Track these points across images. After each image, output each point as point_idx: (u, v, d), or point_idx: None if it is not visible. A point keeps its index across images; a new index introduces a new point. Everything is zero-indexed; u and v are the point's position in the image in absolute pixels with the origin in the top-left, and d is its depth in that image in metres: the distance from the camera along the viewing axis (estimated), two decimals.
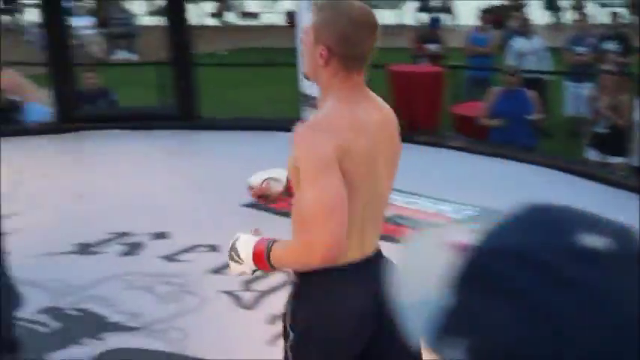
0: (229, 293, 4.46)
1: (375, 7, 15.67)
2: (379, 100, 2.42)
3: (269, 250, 2.22)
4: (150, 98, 9.82)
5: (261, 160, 7.08)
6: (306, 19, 2.44)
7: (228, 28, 17.26)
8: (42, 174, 6.54)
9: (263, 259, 2.23)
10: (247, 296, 4.54)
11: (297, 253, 2.18)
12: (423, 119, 8.17)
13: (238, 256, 2.28)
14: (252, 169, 6.95)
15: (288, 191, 2.59)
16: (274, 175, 2.62)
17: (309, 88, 7.76)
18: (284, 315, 2.39)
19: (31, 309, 4.33)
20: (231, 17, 18.77)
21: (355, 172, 2.18)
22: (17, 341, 3.82)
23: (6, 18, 18.97)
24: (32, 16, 17.67)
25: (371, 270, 2.29)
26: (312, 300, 2.31)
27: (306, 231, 2.13)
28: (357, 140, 2.19)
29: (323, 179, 2.10)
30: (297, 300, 2.33)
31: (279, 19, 18.75)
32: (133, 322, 4.28)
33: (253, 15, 19.14)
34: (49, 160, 7.11)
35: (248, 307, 4.44)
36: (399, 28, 16.54)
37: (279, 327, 4.19)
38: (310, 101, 7.78)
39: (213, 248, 5.09)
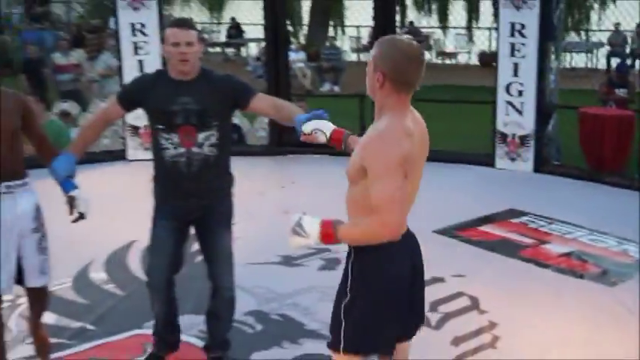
0: None
1: (570, 50, 15.08)
2: (417, 114, 2.81)
3: (336, 228, 2.64)
4: (350, 127, 9.96)
5: (455, 191, 7.05)
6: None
7: (426, 66, 17.26)
8: (255, 191, 6.80)
9: (332, 235, 2.65)
10: (434, 317, 4.49)
11: (372, 231, 2.60)
12: (610, 161, 7.80)
13: (304, 231, 2.65)
14: (444, 199, 6.87)
15: (329, 143, 3.18)
16: (322, 127, 3.13)
17: (503, 126, 7.63)
18: (344, 282, 2.79)
19: (239, 311, 4.49)
20: (428, 56, 18.78)
21: (410, 171, 2.62)
22: (228, 340, 3.98)
23: (230, 50, 19.91)
24: (252, 50, 18.51)
25: (409, 242, 2.80)
26: (368, 265, 2.72)
27: (379, 214, 2.56)
28: (411, 147, 2.62)
29: (392, 177, 2.55)
30: (355, 268, 2.75)
31: (474, 59, 18.53)
32: (328, 331, 4.33)
33: (450, 55, 19.03)
34: (262, 178, 7.37)
35: (434, 327, 4.39)
36: (591, 72, 15.94)
37: (461, 348, 4.13)
38: (500, 137, 7.63)
39: None
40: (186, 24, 3.52)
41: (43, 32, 15.67)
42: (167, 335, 3.94)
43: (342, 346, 2.83)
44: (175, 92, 3.49)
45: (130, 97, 3.64)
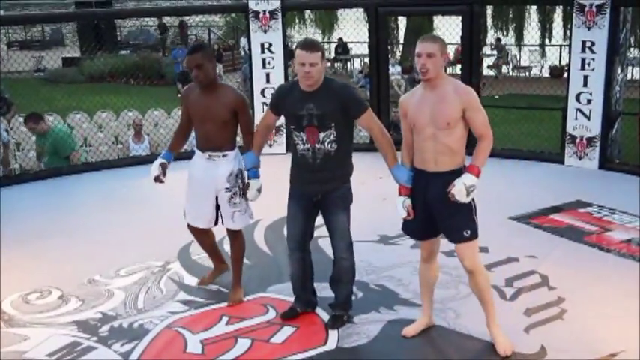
0: (495, 287, 4.29)
1: (632, 64, 14.13)
2: None
3: (479, 167, 3.38)
4: None
5: (528, 184, 6.82)
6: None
7: (502, 78, 16.77)
8: (359, 181, 6.72)
9: (479, 172, 3.39)
10: (509, 291, 4.37)
11: (489, 146, 3.40)
12: None
13: (471, 190, 3.42)
14: (518, 191, 6.64)
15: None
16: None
17: (573, 129, 7.34)
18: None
19: None
20: (505, 69, 18.26)
21: None
22: (350, 301, 4.06)
23: (338, 65, 19.95)
24: (355, 64, 18.47)
25: None
26: None
27: (488, 132, 3.38)
28: None
29: (482, 107, 3.40)
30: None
31: (545, 72, 17.94)
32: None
33: (524, 68, 18.44)
34: (364, 171, 7.27)
35: (509, 299, 4.27)
36: None
37: (532, 319, 3.98)
38: (570, 140, 7.34)
39: (484, 250, 4.94)
40: (311, 47, 3.57)
41: None
42: (300, 293, 4.01)
43: (477, 232, 3.52)
44: (302, 100, 3.60)
45: (275, 104, 3.79)
